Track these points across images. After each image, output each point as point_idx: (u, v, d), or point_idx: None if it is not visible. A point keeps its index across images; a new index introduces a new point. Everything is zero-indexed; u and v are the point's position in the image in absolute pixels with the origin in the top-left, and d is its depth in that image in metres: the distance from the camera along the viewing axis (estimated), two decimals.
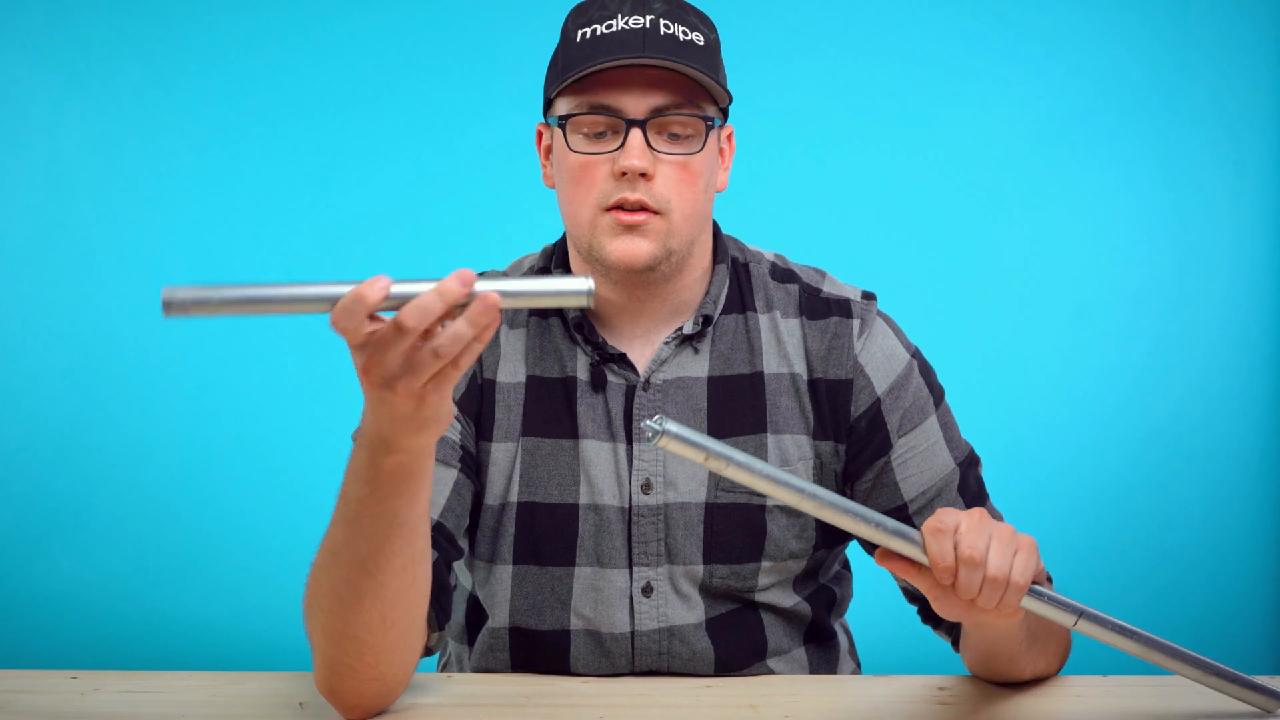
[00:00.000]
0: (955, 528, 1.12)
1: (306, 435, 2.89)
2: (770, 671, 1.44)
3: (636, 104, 1.33)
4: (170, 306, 1.02)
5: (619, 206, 1.33)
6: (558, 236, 1.50)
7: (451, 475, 1.36)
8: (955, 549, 1.11)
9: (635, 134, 1.32)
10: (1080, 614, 1.17)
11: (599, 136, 1.34)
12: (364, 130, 2.93)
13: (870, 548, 1.43)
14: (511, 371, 1.43)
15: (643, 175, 1.32)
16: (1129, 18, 2.94)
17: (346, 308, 1.00)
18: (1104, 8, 2.94)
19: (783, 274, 1.48)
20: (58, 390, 2.89)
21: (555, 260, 1.46)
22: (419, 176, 2.94)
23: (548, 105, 1.40)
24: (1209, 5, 2.94)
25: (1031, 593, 1.15)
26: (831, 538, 1.46)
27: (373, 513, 1.12)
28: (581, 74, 1.32)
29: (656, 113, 1.33)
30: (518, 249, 1.55)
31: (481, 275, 1.46)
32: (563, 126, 1.34)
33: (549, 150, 1.42)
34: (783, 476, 1.08)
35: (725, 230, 1.51)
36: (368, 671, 1.20)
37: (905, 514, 1.41)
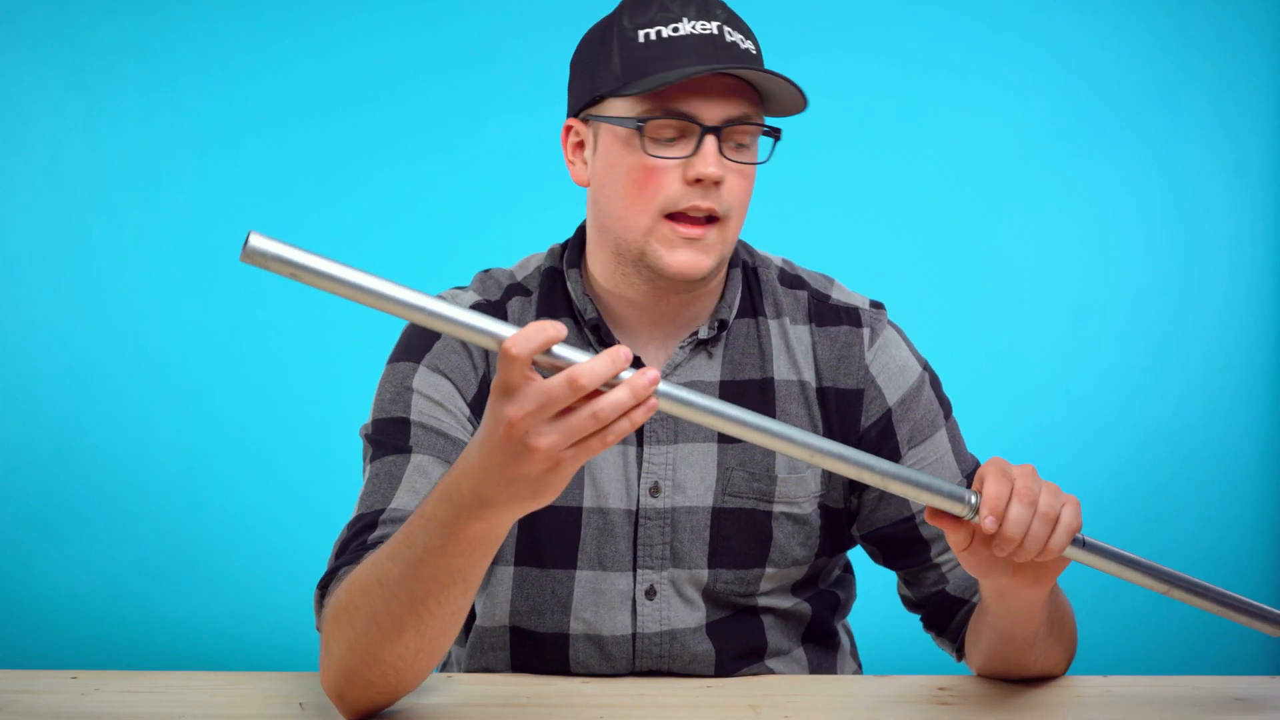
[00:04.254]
0: (1010, 473, 1.15)
1: (306, 436, 2.89)
2: (770, 671, 1.44)
3: (712, 112, 1.31)
4: (250, 252, 0.94)
5: (682, 214, 1.32)
6: (559, 235, 1.49)
7: None
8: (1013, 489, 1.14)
9: (710, 141, 1.30)
10: (1084, 544, 1.18)
11: (668, 142, 1.32)
12: (364, 130, 2.94)
13: (888, 549, 1.44)
14: None
15: (715, 184, 1.31)
16: (1129, 18, 2.94)
17: (528, 336, 0.99)
18: (1104, 8, 2.94)
19: (791, 279, 1.47)
20: (58, 390, 2.90)
21: (568, 261, 1.44)
22: (419, 176, 2.94)
23: (590, 101, 1.36)
24: (1209, 5, 2.95)
25: (1074, 541, 1.17)
26: (834, 545, 1.45)
27: (437, 564, 1.11)
28: (671, 79, 1.28)
29: (729, 122, 1.31)
30: (517, 248, 1.54)
31: (486, 272, 1.48)
32: (639, 129, 1.31)
33: (579, 147, 1.39)
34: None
35: None
36: (385, 686, 1.21)
37: (912, 524, 1.41)
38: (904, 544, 1.42)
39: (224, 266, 2.93)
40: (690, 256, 1.32)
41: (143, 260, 2.92)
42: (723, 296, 1.42)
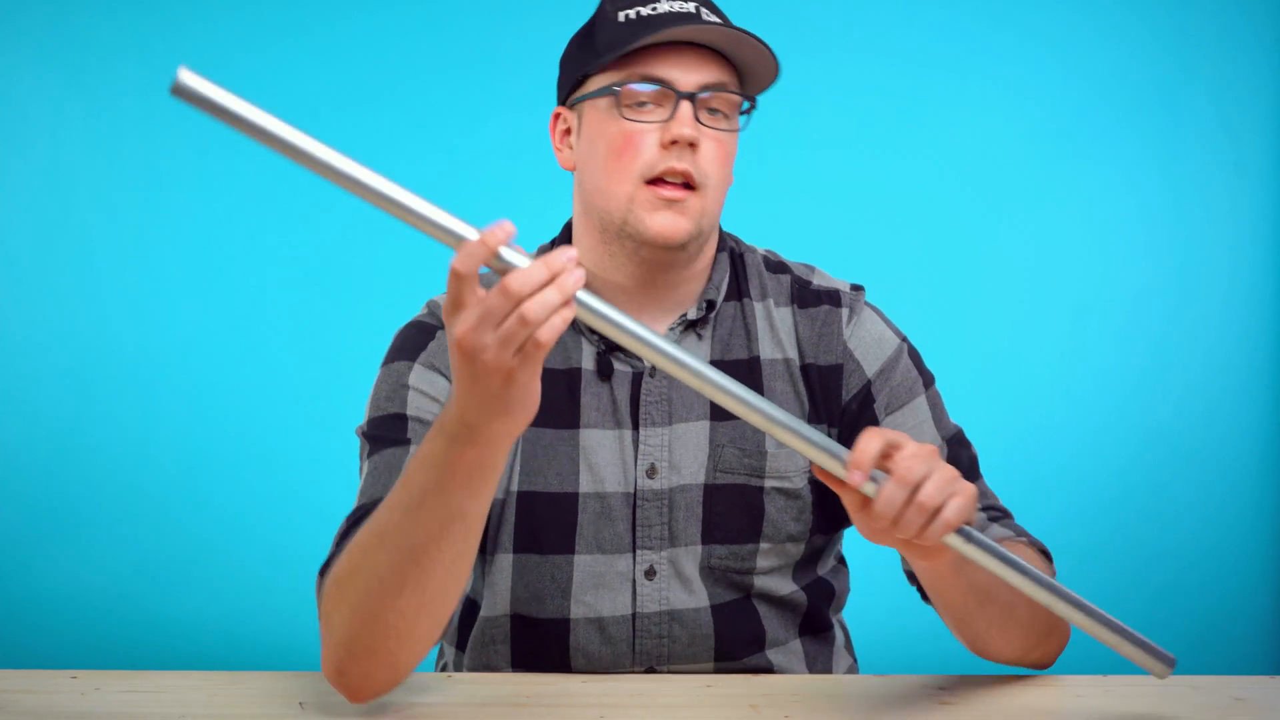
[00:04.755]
0: (897, 444, 1.11)
1: (306, 436, 2.89)
2: (768, 662, 1.45)
3: (687, 77, 1.35)
4: (179, 88, 0.96)
5: (661, 179, 1.35)
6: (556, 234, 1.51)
7: None
8: (893, 467, 1.10)
9: (685, 106, 1.34)
10: (969, 538, 1.13)
11: (645, 108, 1.36)
12: (364, 130, 2.93)
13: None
14: None
15: (690, 146, 1.34)
16: (1129, 18, 2.94)
17: (471, 253, 1.02)
18: (1104, 8, 2.94)
19: (775, 265, 1.51)
20: (58, 390, 2.90)
21: None
22: (419, 176, 2.93)
23: (575, 86, 1.41)
24: (1209, 5, 2.94)
25: (962, 533, 1.13)
26: (829, 522, 1.46)
27: (436, 503, 1.12)
28: (641, 44, 1.33)
29: (705, 88, 1.35)
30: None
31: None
32: (615, 94, 1.35)
33: (566, 133, 1.43)
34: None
35: (726, 227, 1.54)
36: (387, 657, 1.20)
37: None
38: None
39: (224, 266, 2.93)
40: (669, 219, 1.35)
41: (143, 260, 2.92)
42: (710, 279, 1.45)
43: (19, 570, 2.87)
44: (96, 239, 2.92)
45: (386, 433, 1.36)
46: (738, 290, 1.47)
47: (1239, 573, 2.94)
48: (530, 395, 1.06)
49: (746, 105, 1.39)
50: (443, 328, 1.42)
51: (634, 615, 1.41)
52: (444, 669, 1.59)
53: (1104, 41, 2.94)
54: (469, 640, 1.48)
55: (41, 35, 2.90)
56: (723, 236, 1.49)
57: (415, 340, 1.42)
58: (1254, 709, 1.32)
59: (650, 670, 1.43)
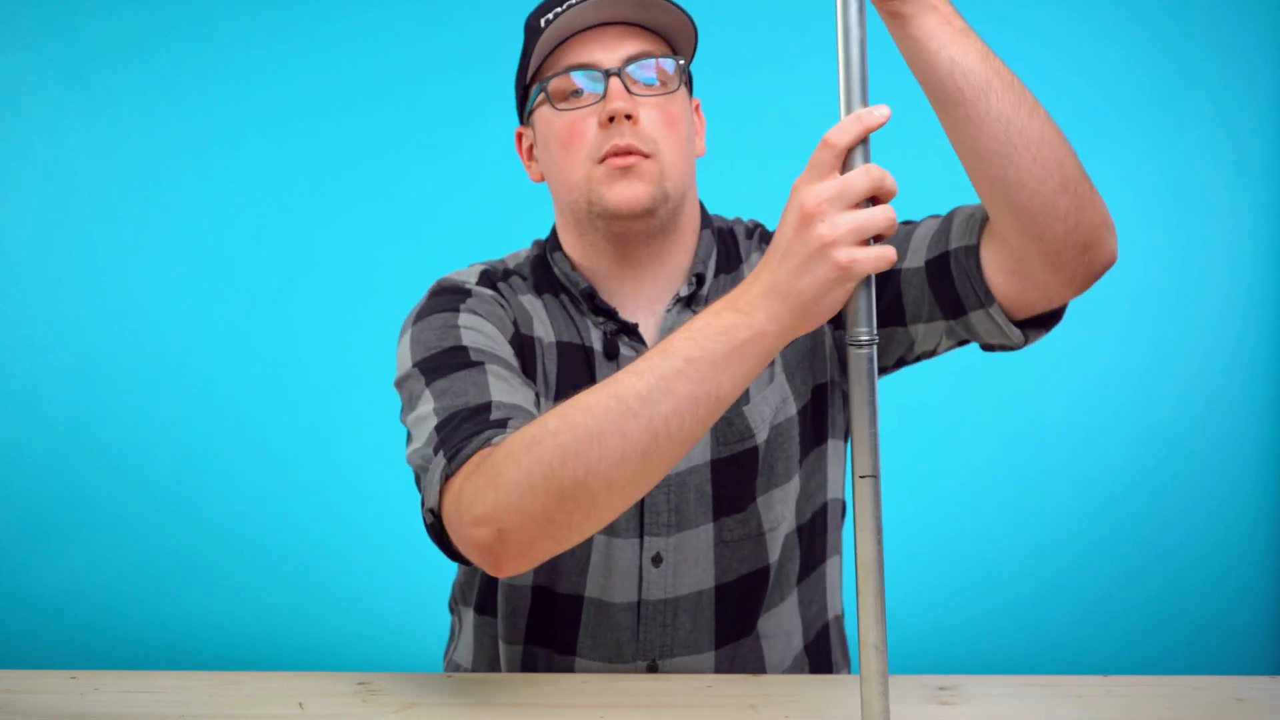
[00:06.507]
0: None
1: (306, 435, 2.89)
2: (758, 639, 1.47)
3: (610, 55, 1.38)
4: None
5: (611, 154, 1.37)
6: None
7: (531, 392, 1.35)
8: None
9: (614, 81, 1.37)
10: None
11: (576, 95, 1.39)
12: (364, 130, 2.94)
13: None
14: (544, 331, 1.47)
15: (628, 118, 1.36)
16: (1129, 18, 2.94)
17: (847, 128, 1.06)
18: (1104, 8, 2.94)
19: (764, 235, 1.54)
20: (58, 390, 2.90)
21: (549, 247, 1.51)
22: (418, 176, 2.94)
23: (523, 105, 1.47)
24: (1209, 5, 2.94)
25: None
26: (818, 432, 1.48)
27: (699, 375, 1.08)
28: (558, 39, 1.37)
29: (630, 60, 1.38)
30: (517, 246, 1.56)
31: (482, 262, 1.51)
32: (546, 93, 1.40)
33: (531, 148, 1.48)
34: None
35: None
36: (561, 524, 1.12)
37: (898, 281, 1.41)
38: (934, 286, 1.39)
39: (224, 266, 2.93)
40: (626, 187, 1.37)
41: (143, 260, 2.92)
42: (696, 255, 1.48)
43: (19, 570, 2.87)
44: (96, 239, 2.92)
45: (448, 361, 1.32)
46: (727, 263, 1.50)
47: (1239, 573, 2.94)
48: (835, 304, 1.05)
49: (672, 65, 1.41)
50: (481, 284, 1.45)
51: (639, 603, 1.43)
52: (445, 661, 1.60)
53: (1104, 41, 2.94)
54: (498, 609, 1.48)
55: (41, 35, 2.90)
56: (706, 214, 1.52)
57: (451, 297, 1.42)
58: (1254, 709, 1.32)
59: (651, 666, 1.44)
